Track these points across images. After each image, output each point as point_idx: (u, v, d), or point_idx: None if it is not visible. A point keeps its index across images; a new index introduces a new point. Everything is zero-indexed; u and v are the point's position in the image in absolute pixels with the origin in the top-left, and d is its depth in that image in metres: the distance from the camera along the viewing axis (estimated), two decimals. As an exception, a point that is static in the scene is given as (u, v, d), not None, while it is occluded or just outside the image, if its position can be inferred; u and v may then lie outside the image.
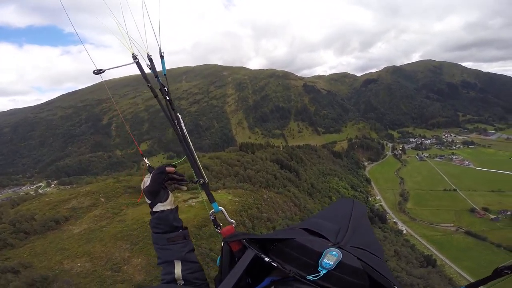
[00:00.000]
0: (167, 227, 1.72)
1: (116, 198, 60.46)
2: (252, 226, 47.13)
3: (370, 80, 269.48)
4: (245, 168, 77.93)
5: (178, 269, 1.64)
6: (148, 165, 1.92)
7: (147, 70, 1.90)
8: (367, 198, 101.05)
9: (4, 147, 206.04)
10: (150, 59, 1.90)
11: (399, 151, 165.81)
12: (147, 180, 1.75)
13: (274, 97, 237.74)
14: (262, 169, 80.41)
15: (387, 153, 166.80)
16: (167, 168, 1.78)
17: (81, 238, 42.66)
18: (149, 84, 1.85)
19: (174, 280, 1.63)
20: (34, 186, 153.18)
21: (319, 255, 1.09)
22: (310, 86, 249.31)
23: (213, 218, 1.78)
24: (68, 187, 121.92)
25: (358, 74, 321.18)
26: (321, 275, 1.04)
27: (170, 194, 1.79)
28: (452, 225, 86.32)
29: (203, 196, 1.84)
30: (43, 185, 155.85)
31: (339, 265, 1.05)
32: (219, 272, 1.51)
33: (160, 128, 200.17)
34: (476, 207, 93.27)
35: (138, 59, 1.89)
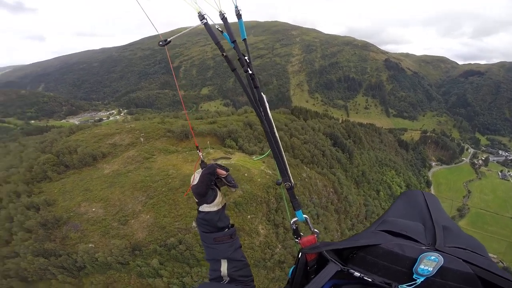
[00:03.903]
0: (213, 228, 1.67)
1: (154, 140, 59.89)
2: (276, 207, 40.93)
3: (473, 72, 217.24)
4: (291, 135, 69.64)
5: (224, 268, 1.65)
6: (202, 160, 1.73)
7: (220, 34, 1.51)
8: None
9: (91, 77, 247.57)
10: (224, 19, 1.48)
11: (480, 161, 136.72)
12: (197, 176, 1.64)
13: (345, 66, 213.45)
14: (311, 141, 71.18)
15: (463, 158, 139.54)
16: (218, 171, 1.64)
17: (106, 180, 42.26)
18: (224, 54, 1.47)
19: (219, 277, 1.66)
20: (108, 113, 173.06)
21: (413, 261, 0.95)
22: (394, 63, 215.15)
23: (294, 227, 1.58)
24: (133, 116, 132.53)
25: (460, 62, 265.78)
26: (417, 283, 0.91)
27: (218, 194, 1.68)
28: (496, 256, 74.76)
29: (285, 200, 1.68)
30: (115, 112, 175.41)
31: (441, 271, 0.91)
32: (289, 283, 1.41)
33: (222, 76, 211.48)
34: (535, 245, 77.90)
35: (206, 19, 1.46)
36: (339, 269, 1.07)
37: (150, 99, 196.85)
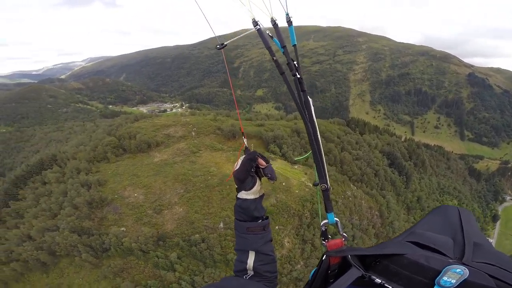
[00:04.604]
0: (247, 217, 1.69)
1: (204, 136, 62.20)
2: (309, 223, 38.19)
3: None
4: (343, 149, 65.05)
5: (250, 260, 1.65)
6: (246, 146, 1.81)
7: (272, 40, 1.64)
8: (477, 236, 79.91)
9: (164, 71, 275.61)
10: (275, 25, 1.60)
11: None
12: (239, 162, 1.70)
13: (418, 78, 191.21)
14: (364, 157, 65.49)
15: None
16: (258, 160, 1.68)
17: (154, 168, 44.85)
18: (274, 58, 1.60)
19: (244, 270, 1.66)
20: (172, 105, 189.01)
21: (437, 273, 0.94)
22: (479, 78, 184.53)
23: (324, 229, 1.64)
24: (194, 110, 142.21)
25: None
26: None
27: (258, 183, 1.70)
28: None
29: (319, 201, 1.75)
30: (178, 105, 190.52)
31: (464, 284, 0.89)
32: (309, 285, 1.43)
33: (278, 79, 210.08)
34: None
35: (259, 25, 1.58)
36: (361, 274, 1.08)
37: (210, 96, 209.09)
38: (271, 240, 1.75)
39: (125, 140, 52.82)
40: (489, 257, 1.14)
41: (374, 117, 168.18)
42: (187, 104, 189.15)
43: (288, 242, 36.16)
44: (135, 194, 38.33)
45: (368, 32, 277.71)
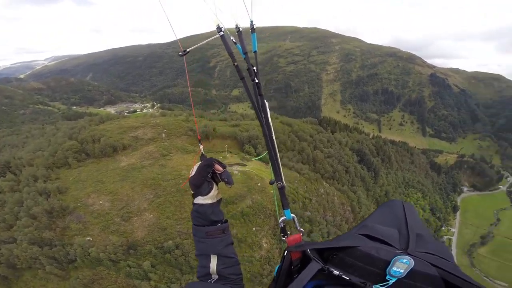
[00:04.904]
0: (206, 221, 1.72)
1: (175, 137, 60.11)
2: (285, 223, 38.43)
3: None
4: (315, 147, 66.55)
5: (213, 264, 1.68)
6: (202, 153, 1.87)
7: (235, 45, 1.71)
8: (441, 226, 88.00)
9: (134, 70, 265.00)
10: (239, 32, 1.68)
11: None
12: (195, 168, 1.75)
13: (385, 78, 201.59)
14: (335, 155, 67.60)
15: (500, 187, 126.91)
16: (215, 166, 1.73)
17: (120, 173, 42.60)
18: (235, 63, 1.69)
19: (208, 274, 1.69)
20: (142, 105, 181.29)
21: (387, 263, 1.02)
22: (440, 78, 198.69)
23: (282, 225, 1.67)
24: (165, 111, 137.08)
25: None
26: (389, 284, 0.98)
27: (214, 188, 1.75)
28: (507, 285, 74.01)
29: (276, 199, 1.82)
30: (148, 105, 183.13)
31: (411, 273, 0.98)
32: (275, 281, 1.48)
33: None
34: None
35: (223, 31, 1.67)
36: (320, 267, 1.13)
37: (183, 96, 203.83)
38: (232, 243, 1.75)
39: (88, 144, 49.48)
40: (430, 247, 1.23)
41: (345, 116, 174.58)
42: (158, 104, 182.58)
43: (266, 243, 36.14)
44: (100, 202, 35.99)
45: (342, 33, 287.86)
